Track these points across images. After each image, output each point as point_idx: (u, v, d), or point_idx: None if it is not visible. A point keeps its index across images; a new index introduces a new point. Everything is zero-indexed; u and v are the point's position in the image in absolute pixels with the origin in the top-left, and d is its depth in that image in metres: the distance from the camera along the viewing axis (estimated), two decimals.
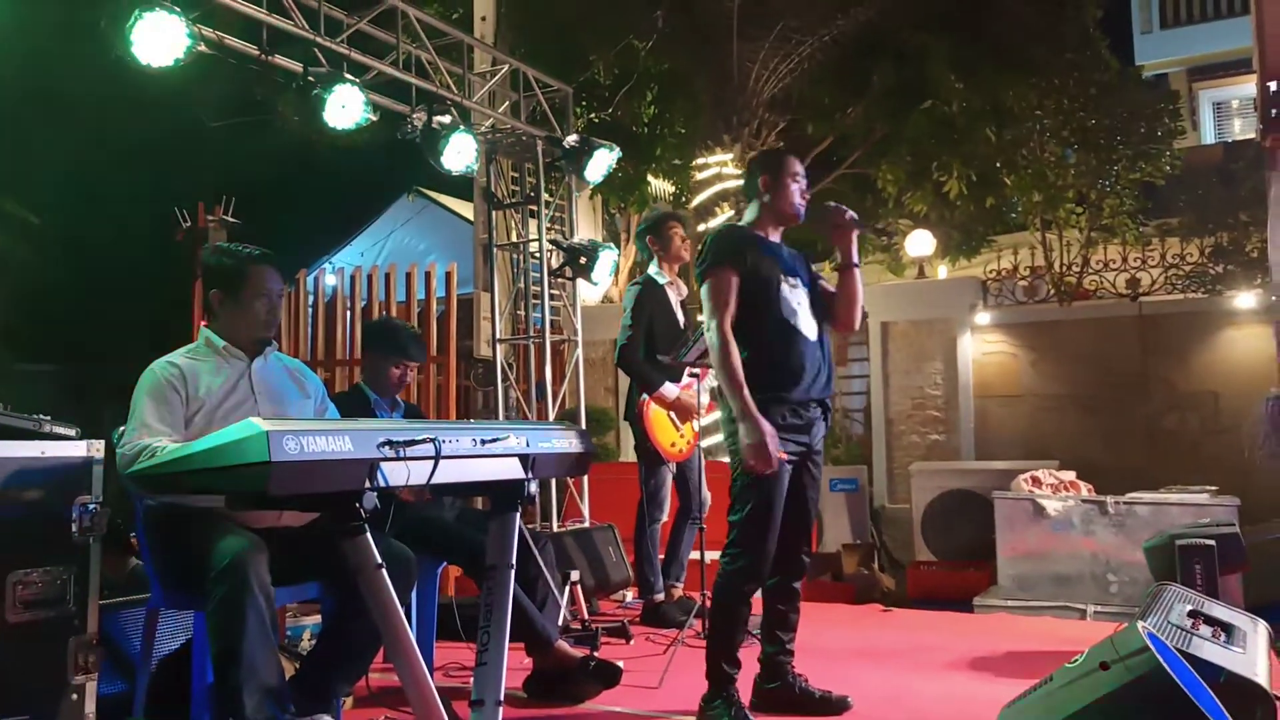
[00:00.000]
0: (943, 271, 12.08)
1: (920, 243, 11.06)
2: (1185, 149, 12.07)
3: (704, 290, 3.74)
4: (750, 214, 3.96)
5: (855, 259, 3.91)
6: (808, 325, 3.79)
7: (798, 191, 3.89)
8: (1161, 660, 2.56)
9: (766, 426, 3.53)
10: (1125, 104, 11.04)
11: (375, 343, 4.58)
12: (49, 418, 3.51)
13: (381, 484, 2.52)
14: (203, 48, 4.86)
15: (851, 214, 3.91)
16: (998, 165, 11.30)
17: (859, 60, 11.66)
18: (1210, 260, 9.90)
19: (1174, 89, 14.30)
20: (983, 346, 9.98)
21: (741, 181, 4.25)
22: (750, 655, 3.89)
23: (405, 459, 2.55)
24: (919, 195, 11.64)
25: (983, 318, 10.01)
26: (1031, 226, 11.47)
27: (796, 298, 3.79)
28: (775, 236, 3.92)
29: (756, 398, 3.57)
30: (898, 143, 11.69)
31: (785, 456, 3.62)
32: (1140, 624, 2.75)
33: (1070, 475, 7.73)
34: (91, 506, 3.20)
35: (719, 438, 3.97)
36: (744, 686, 3.79)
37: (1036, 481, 7.61)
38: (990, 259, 11.16)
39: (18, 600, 3.04)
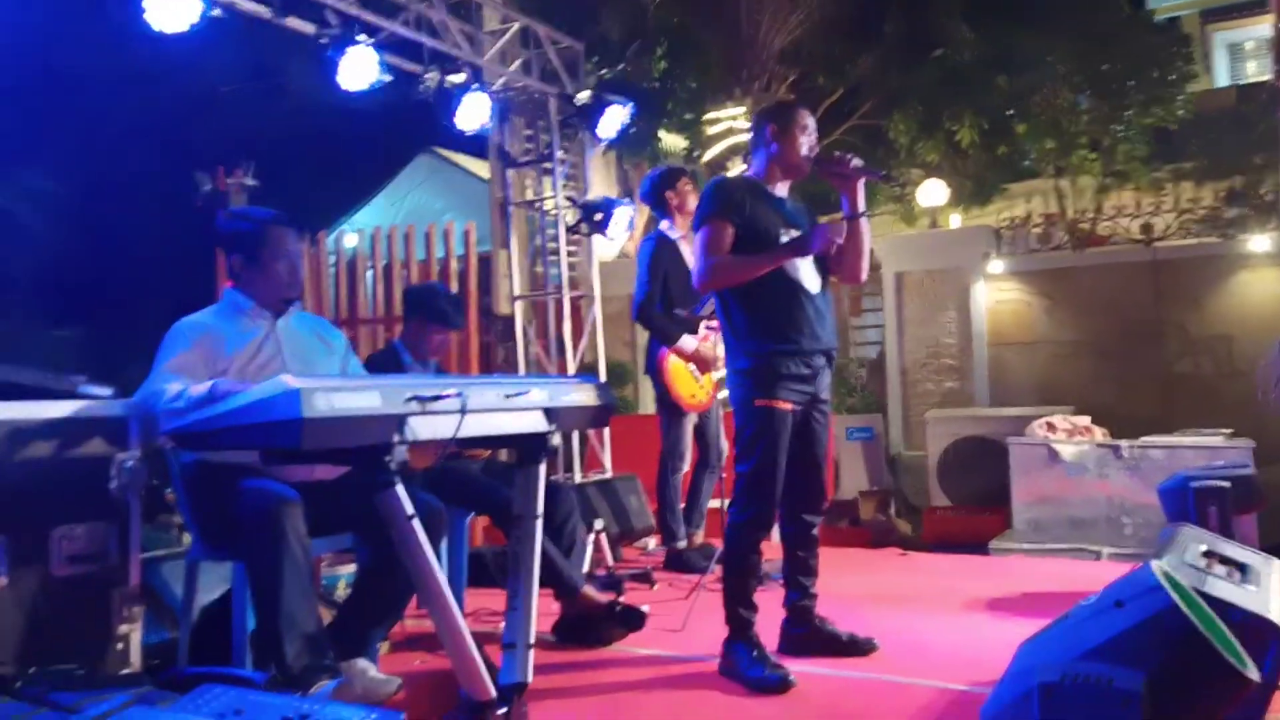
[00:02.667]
0: (955, 221, 12.06)
1: (933, 192, 11.05)
2: (1198, 93, 12.00)
3: (697, 239, 3.76)
4: (756, 164, 3.95)
5: (862, 208, 3.86)
6: (810, 279, 3.80)
7: (806, 144, 3.87)
8: (1175, 598, 2.61)
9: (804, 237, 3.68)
10: (1137, 48, 10.98)
11: (420, 310, 4.62)
12: (84, 378, 3.59)
13: (409, 438, 2.57)
14: (216, 12, 4.89)
15: (858, 161, 3.82)
16: (1009, 113, 11.26)
17: (868, 11, 11.59)
18: (1224, 204, 9.88)
19: (1186, 32, 14.15)
20: (996, 294, 9.98)
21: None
22: (775, 600, 3.98)
23: (432, 413, 2.59)
24: (931, 145, 11.59)
25: (996, 266, 10.01)
26: (1044, 174, 11.46)
27: None
28: (781, 189, 3.92)
29: (763, 350, 3.67)
30: (909, 93, 11.62)
31: (790, 406, 3.70)
32: (1155, 563, 2.79)
33: (1085, 420, 7.76)
34: (129, 463, 3.26)
35: None
36: (771, 631, 3.88)
37: (1051, 427, 7.64)
38: (1003, 207, 11.16)
39: (63, 555, 3.14)
